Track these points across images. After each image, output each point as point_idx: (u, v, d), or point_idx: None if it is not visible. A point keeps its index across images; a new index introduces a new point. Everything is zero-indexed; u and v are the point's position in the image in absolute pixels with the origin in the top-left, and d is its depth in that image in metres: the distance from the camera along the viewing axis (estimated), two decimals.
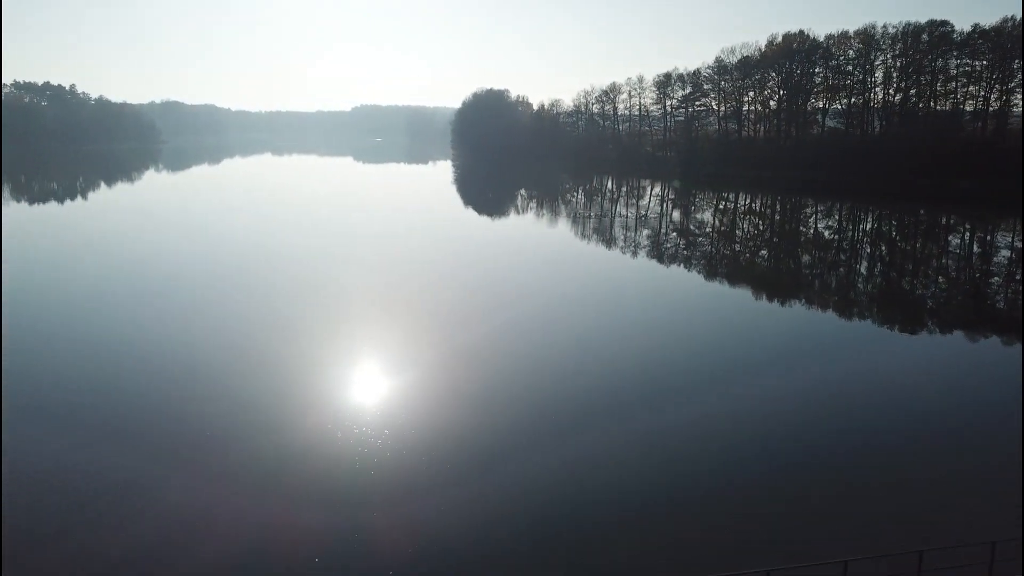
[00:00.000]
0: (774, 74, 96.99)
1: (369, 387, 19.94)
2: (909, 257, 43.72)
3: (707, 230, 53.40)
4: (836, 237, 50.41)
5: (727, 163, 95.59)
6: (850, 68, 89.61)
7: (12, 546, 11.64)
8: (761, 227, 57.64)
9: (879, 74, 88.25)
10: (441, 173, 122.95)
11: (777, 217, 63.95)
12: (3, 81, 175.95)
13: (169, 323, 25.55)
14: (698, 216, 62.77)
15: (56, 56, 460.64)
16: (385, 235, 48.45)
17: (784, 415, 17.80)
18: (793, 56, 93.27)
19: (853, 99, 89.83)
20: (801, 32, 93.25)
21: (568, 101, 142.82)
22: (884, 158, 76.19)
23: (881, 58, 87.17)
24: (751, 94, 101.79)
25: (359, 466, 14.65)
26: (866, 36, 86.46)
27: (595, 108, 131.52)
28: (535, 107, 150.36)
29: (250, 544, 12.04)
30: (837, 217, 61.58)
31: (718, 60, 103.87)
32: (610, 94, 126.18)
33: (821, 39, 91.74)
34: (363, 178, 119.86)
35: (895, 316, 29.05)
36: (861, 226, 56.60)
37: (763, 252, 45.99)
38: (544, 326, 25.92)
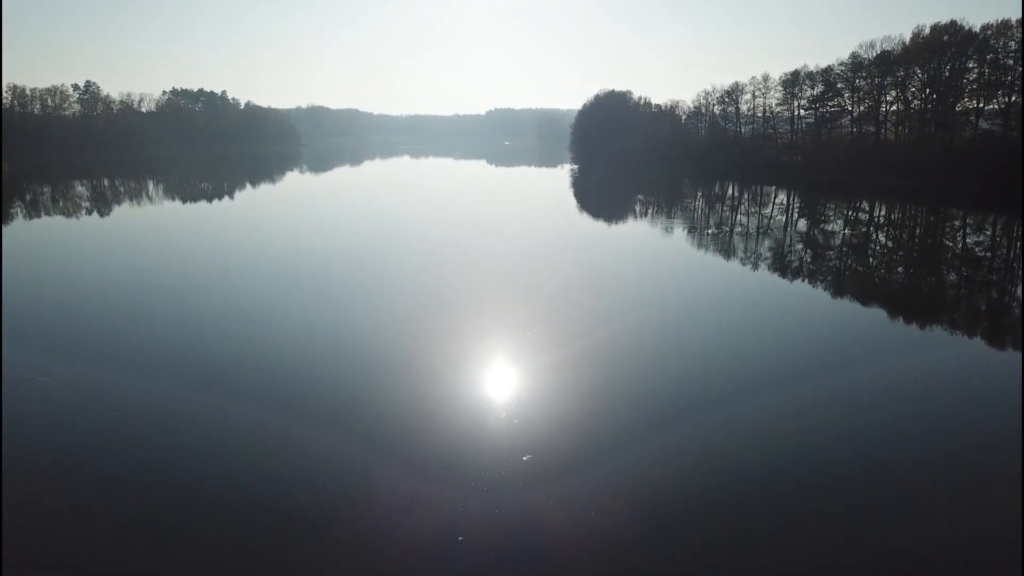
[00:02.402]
0: (919, 71, 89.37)
1: (505, 380, 21.36)
2: None
3: (835, 242, 50.04)
4: (988, 255, 45.66)
5: (861, 170, 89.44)
6: (1010, 62, 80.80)
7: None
8: (900, 240, 53.32)
9: None
10: (566, 176, 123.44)
11: (918, 231, 58.86)
12: (164, 89, 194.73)
13: (318, 315, 28.21)
14: (826, 227, 58.94)
15: (223, 67, 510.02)
16: (510, 238, 50.07)
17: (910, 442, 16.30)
18: (943, 50, 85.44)
19: (1013, 97, 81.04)
20: (953, 23, 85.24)
21: (689, 102, 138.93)
22: None
23: None
24: (892, 93, 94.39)
25: (508, 454, 15.82)
26: None
27: (716, 109, 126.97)
28: (659, 107, 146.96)
29: (427, 526, 13.24)
30: (989, 232, 55.77)
31: (853, 55, 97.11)
32: (733, 94, 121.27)
33: (976, 30, 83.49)
34: (495, 180, 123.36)
35: None
36: (1019, 243, 50.89)
37: (899, 269, 42.47)
38: (661, 330, 26.56)
